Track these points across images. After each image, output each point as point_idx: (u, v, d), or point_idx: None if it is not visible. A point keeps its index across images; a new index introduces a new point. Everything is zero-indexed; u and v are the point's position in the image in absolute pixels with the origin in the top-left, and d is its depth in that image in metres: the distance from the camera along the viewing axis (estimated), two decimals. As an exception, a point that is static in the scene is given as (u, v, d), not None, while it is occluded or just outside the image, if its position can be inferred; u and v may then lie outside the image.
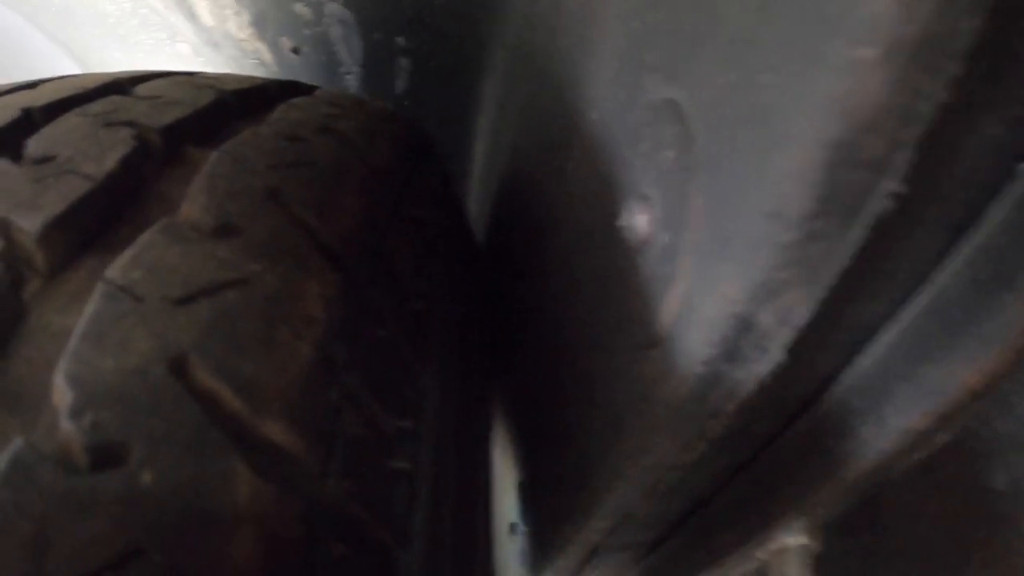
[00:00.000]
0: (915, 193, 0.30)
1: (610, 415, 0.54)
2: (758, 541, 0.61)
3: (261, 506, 0.33)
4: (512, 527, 0.96)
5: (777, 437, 0.53)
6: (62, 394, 0.34)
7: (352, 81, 1.33)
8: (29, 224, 0.42)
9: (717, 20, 0.37)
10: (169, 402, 0.34)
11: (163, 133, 0.55)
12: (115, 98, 0.61)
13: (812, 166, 0.30)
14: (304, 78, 1.37)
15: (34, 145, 0.52)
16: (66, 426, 0.33)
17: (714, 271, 0.38)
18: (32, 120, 0.56)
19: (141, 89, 0.65)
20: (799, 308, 0.36)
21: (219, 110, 0.63)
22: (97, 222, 0.46)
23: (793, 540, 0.60)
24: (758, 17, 0.33)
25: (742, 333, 0.38)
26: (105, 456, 0.32)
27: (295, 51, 1.37)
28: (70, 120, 0.56)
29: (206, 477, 0.33)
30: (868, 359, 0.44)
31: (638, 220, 0.47)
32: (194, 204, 0.47)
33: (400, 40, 1.19)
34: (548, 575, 0.84)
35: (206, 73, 0.76)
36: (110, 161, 0.49)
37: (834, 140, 0.28)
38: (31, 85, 0.66)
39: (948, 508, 0.57)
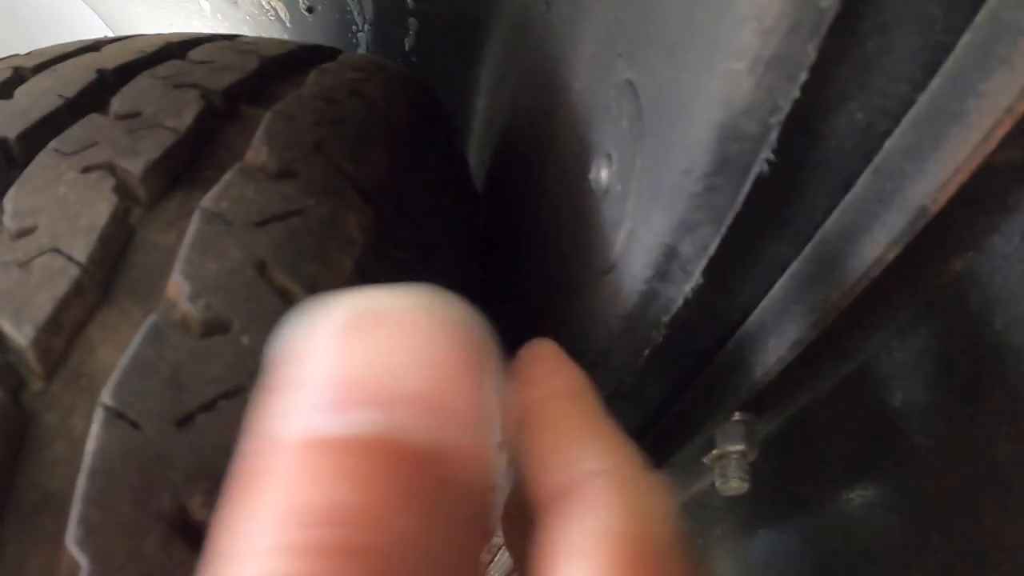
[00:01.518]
0: (785, 161, 0.41)
1: (577, 330, 0.64)
2: (699, 441, 0.72)
3: None
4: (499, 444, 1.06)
5: (713, 355, 0.64)
6: (180, 286, 0.46)
7: (363, 39, 1.38)
8: (132, 166, 0.54)
9: (661, 27, 0.47)
10: (256, 292, 0.47)
11: (223, 94, 0.65)
12: (176, 62, 0.71)
13: (709, 139, 0.40)
14: (317, 35, 1.44)
15: (119, 103, 0.62)
16: (186, 306, 0.45)
17: (650, 212, 0.48)
18: (106, 80, 0.66)
19: (194, 54, 0.74)
20: (710, 240, 0.46)
21: (264, 75, 0.73)
22: (182, 166, 0.57)
23: (732, 447, 0.70)
24: (681, 32, 0.43)
25: (670, 259, 0.48)
26: (215, 326, 0.45)
27: (309, 10, 1.43)
28: (143, 82, 0.66)
29: (284, 342, 0.46)
30: (779, 289, 0.54)
31: (602, 174, 0.57)
32: (259, 153, 0.58)
33: (409, 1, 1.26)
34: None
35: (244, 38, 0.85)
36: (187, 117, 0.60)
37: (721, 122, 0.39)
38: (93, 47, 0.75)
39: (857, 425, 0.67)
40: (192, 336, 0.45)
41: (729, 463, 0.71)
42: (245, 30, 1.62)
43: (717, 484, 0.71)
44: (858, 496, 0.68)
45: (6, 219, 0.52)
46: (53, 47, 0.79)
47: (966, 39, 0.38)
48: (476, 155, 1.37)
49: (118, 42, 0.80)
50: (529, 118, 0.91)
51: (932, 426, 0.58)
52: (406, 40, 1.33)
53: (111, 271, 0.49)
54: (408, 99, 0.84)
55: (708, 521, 1.00)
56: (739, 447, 0.70)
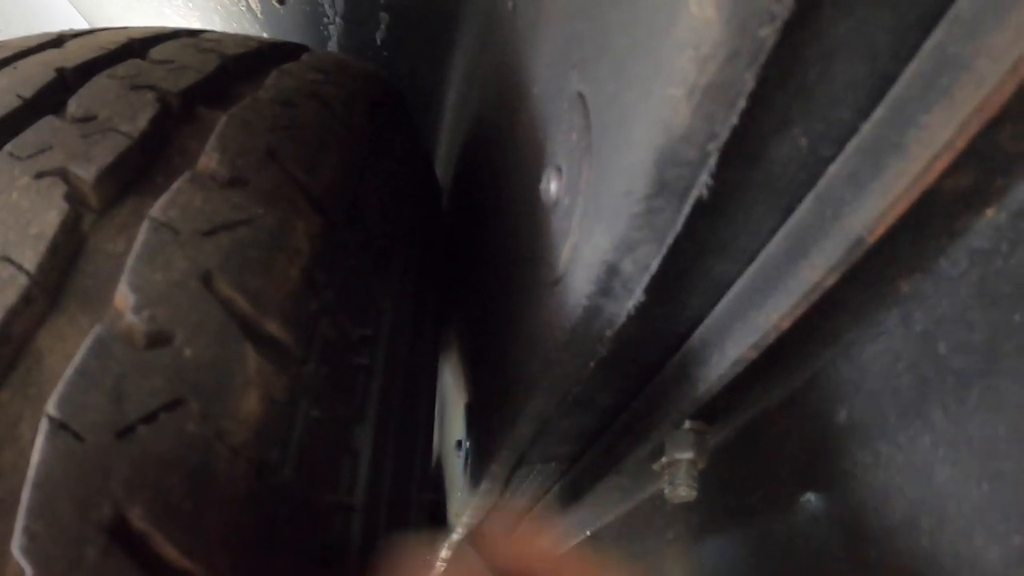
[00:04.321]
0: (726, 184, 0.41)
1: (529, 337, 0.65)
2: (646, 447, 0.73)
3: (262, 376, 0.47)
4: (458, 444, 1.06)
5: (660, 367, 0.65)
6: (126, 298, 0.47)
7: (334, 31, 1.38)
8: (85, 173, 0.54)
9: (610, 42, 0.47)
10: (201, 304, 0.47)
11: (180, 96, 0.65)
12: (136, 62, 0.71)
13: (648, 161, 0.41)
14: (288, 27, 1.43)
15: (75, 105, 0.62)
16: (131, 318, 0.46)
17: (593, 229, 0.49)
18: (66, 80, 0.66)
19: (155, 53, 0.74)
20: (651, 260, 0.46)
21: (223, 74, 0.73)
22: (135, 171, 0.57)
23: (681, 455, 0.71)
24: (627, 50, 0.44)
25: (612, 276, 0.48)
26: (158, 338, 0.46)
27: (281, 2, 1.43)
28: (101, 82, 0.66)
29: (226, 355, 0.46)
30: (723, 307, 0.55)
31: (552, 185, 0.58)
32: (211, 159, 0.58)
33: (381, -5, 1.26)
34: (485, 484, 0.92)
35: (208, 35, 0.85)
36: (142, 121, 0.60)
37: (661, 146, 0.39)
38: (56, 42, 0.76)
39: (804, 439, 0.68)
40: (136, 348, 0.46)
41: (678, 471, 0.72)
42: (216, 20, 1.62)
43: (666, 491, 0.72)
44: (802, 509, 0.69)
45: None
46: (16, 40, 0.79)
47: (910, 69, 0.38)
48: (445, 151, 1.38)
49: (81, 37, 0.80)
50: (493, 119, 0.92)
51: (874, 444, 0.59)
52: (377, 34, 1.33)
53: (61, 279, 0.50)
54: (369, 101, 0.84)
55: (660, 525, 1.01)
56: (688, 455, 0.71)
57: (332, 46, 1.42)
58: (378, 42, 1.34)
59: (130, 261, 0.49)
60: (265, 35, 1.46)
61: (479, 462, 0.94)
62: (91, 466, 0.41)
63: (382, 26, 1.31)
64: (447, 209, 1.21)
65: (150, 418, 0.43)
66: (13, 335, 0.46)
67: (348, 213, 0.66)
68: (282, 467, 0.47)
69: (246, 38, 0.87)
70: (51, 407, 0.43)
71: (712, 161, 0.40)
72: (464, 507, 1.09)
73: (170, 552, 0.40)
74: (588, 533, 1.31)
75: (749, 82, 0.36)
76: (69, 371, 0.44)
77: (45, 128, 0.60)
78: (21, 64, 0.70)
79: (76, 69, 0.69)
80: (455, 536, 1.36)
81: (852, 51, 0.38)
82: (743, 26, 0.34)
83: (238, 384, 0.46)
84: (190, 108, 0.67)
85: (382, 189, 0.78)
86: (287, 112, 0.69)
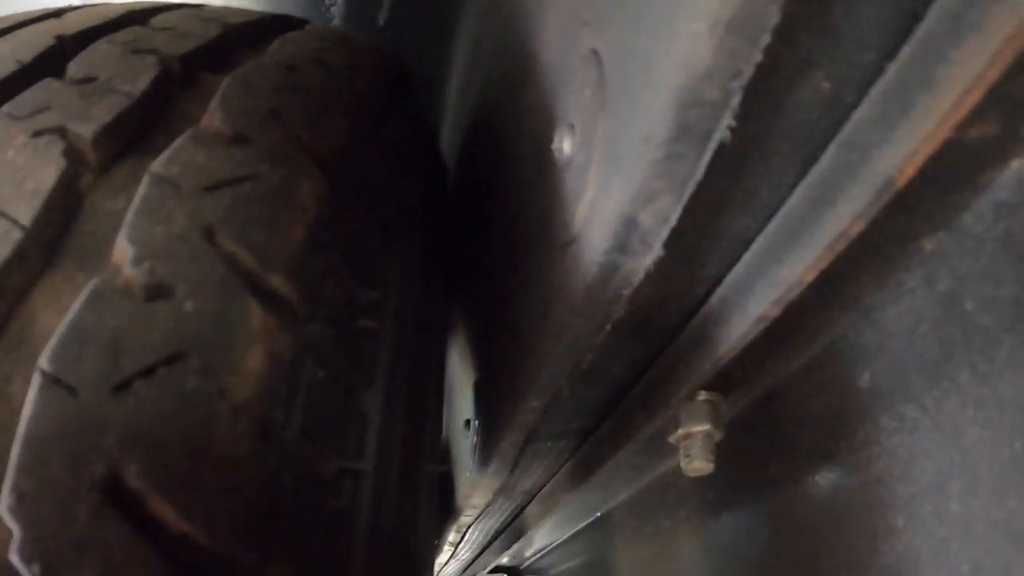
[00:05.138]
0: (749, 128, 0.40)
1: (540, 304, 0.63)
2: (664, 415, 0.71)
3: (267, 332, 0.45)
4: (467, 423, 1.05)
5: (678, 332, 0.63)
6: (124, 251, 0.45)
7: (336, 12, 1.37)
8: (84, 131, 0.53)
9: None
10: (203, 258, 0.46)
11: (182, 60, 0.64)
12: (136, 28, 0.70)
13: (669, 104, 0.39)
14: (291, 7, 1.43)
15: (75, 67, 0.61)
16: (129, 271, 0.44)
17: (610, 182, 0.48)
18: (64, 46, 0.65)
19: (156, 21, 0.73)
20: (671, 211, 0.45)
21: (225, 41, 0.72)
22: (135, 131, 0.56)
23: (698, 428, 0.69)
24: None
25: (630, 230, 0.47)
26: (158, 291, 0.44)
27: None
28: (101, 47, 0.65)
29: (229, 309, 0.44)
30: (743, 265, 0.54)
31: (565, 144, 0.57)
32: (213, 118, 0.57)
33: (383, -26, 1.25)
34: (495, 463, 0.92)
35: (210, 6, 0.84)
36: (143, 82, 0.59)
37: (682, 86, 0.38)
38: (56, 14, 0.74)
39: (825, 407, 0.66)
40: (134, 301, 0.44)
41: (694, 443, 0.70)
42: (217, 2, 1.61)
43: (682, 464, 0.71)
44: (825, 479, 0.68)
45: None
46: (17, 14, 0.78)
47: (938, 5, 0.37)
48: (450, 131, 1.37)
49: (82, 9, 0.79)
50: (500, 91, 0.91)
51: (899, 408, 0.58)
52: (380, 15, 1.32)
53: (57, 236, 0.49)
54: (373, 70, 0.83)
55: (674, 502, 1.00)
56: (704, 427, 0.69)
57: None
58: (380, 23, 1.32)
59: (129, 215, 0.48)
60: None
61: (488, 440, 0.93)
62: (85, 422, 0.40)
63: (384, 6, 1.30)
64: (453, 187, 1.20)
65: (148, 372, 0.41)
66: (5, 291, 0.45)
67: (353, 177, 0.65)
68: (287, 428, 0.45)
69: (248, 11, 0.86)
70: (44, 361, 0.41)
71: (735, 102, 0.39)
72: (473, 488, 1.09)
73: (167, 514, 0.39)
74: (599, 514, 1.31)
75: (774, 16, 0.35)
76: (63, 324, 0.43)
77: (43, 89, 0.59)
78: (21, 32, 0.69)
79: (76, 36, 0.68)
80: (465, 517, 1.36)
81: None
82: None
83: (241, 340, 0.45)
84: (192, 73, 0.66)
85: (387, 157, 0.77)
86: (291, 76, 0.68)
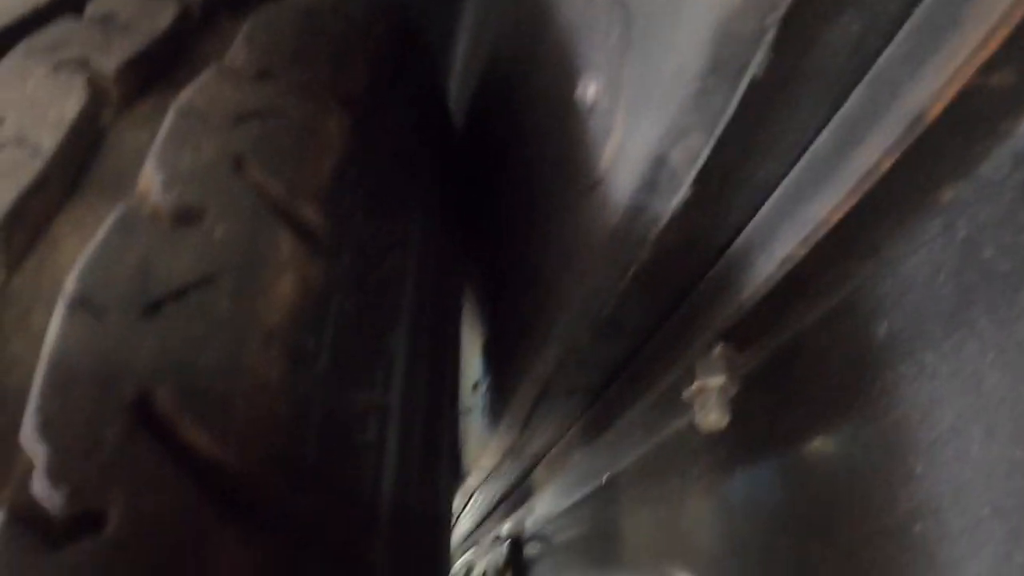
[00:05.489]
0: (781, 65, 0.41)
1: (561, 248, 0.64)
2: (679, 368, 0.72)
3: (297, 260, 0.45)
4: (475, 385, 1.06)
5: (698, 281, 0.64)
6: (152, 178, 0.45)
7: None
8: (106, 63, 0.53)
9: None
10: (232, 185, 0.46)
11: (202, 5, 0.65)
12: None
13: (703, 39, 0.40)
14: None
15: (94, 8, 0.62)
16: (157, 197, 0.45)
17: (638, 121, 0.48)
18: None
19: None
20: (701, 148, 0.46)
21: None
22: (156, 68, 0.56)
23: (713, 381, 0.70)
24: None
25: (659, 168, 0.48)
26: (187, 216, 0.44)
27: None
28: None
29: (260, 235, 0.45)
30: (768, 207, 0.54)
31: (590, 89, 0.57)
32: (238, 55, 0.58)
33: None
34: (505, 422, 0.93)
35: None
36: (162, 22, 0.59)
37: (717, 20, 0.39)
38: None
39: (845, 356, 0.67)
40: (163, 226, 0.44)
41: (709, 397, 0.71)
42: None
43: (697, 418, 0.72)
44: (841, 430, 0.69)
45: None
46: None
47: None
48: (458, 90, 1.38)
49: None
50: (515, 46, 0.92)
51: (918, 356, 0.58)
52: None
53: (80, 166, 0.49)
54: (388, 26, 0.84)
55: (685, 461, 1.01)
56: (720, 380, 0.70)
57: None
58: None
59: (157, 144, 0.48)
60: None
61: (499, 398, 0.95)
62: (113, 344, 0.39)
63: None
64: (463, 142, 1.21)
65: (179, 295, 0.41)
66: (27, 219, 0.45)
67: (375, 119, 0.65)
68: (317, 358, 0.45)
69: None
70: (70, 283, 0.41)
71: (769, 37, 0.39)
72: (482, 450, 1.10)
73: (197, 437, 0.38)
74: (604, 479, 1.32)
75: None
76: (90, 247, 0.43)
77: (64, 26, 0.60)
78: None
79: None
80: (471, 480, 1.37)
81: None
82: None
83: (272, 266, 0.45)
84: (212, 16, 0.66)
85: (404, 105, 0.77)
86: (312, 21, 0.68)
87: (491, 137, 1.01)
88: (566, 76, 0.65)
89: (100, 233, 0.43)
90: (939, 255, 0.55)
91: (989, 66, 0.39)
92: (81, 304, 0.40)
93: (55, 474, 0.36)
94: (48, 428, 0.37)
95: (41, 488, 0.35)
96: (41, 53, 0.55)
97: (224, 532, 0.37)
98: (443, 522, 0.68)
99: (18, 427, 0.37)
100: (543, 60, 0.75)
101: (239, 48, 0.59)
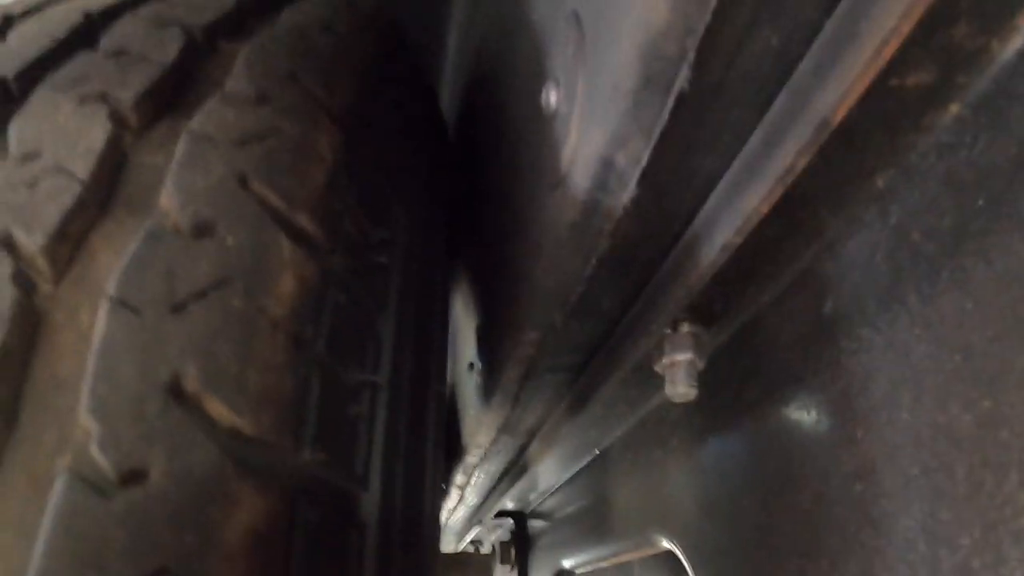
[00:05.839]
0: (704, 79, 0.46)
1: (532, 242, 0.70)
2: (649, 343, 0.77)
3: (296, 262, 0.53)
4: (470, 365, 1.11)
5: (658, 265, 0.69)
6: (171, 197, 0.52)
7: None
8: (124, 96, 0.60)
9: None
10: (239, 201, 0.53)
11: (204, 30, 0.70)
12: (158, 4, 0.76)
13: (634, 58, 0.45)
14: None
15: (107, 41, 0.67)
16: (177, 214, 0.52)
17: (589, 128, 0.53)
18: (93, 22, 0.71)
19: None
20: (642, 152, 0.51)
21: (240, 11, 0.77)
22: (167, 95, 0.62)
23: (681, 356, 0.76)
24: None
25: (607, 170, 0.53)
26: (202, 230, 0.51)
27: None
28: (127, 21, 0.71)
29: (264, 242, 0.52)
30: (711, 201, 0.60)
31: (552, 97, 0.62)
32: (238, 81, 0.64)
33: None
34: (497, 398, 0.98)
35: None
36: (171, 51, 0.65)
37: (644, 43, 0.44)
38: None
39: (796, 332, 0.72)
40: (183, 238, 0.52)
41: (679, 371, 0.77)
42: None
43: (667, 390, 0.77)
44: (796, 399, 0.74)
45: (12, 146, 0.58)
46: None
47: None
48: (449, 87, 1.43)
49: None
50: (495, 49, 0.96)
51: (857, 331, 0.64)
52: None
53: (109, 188, 0.55)
54: (376, 35, 0.89)
55: (665, 433, 1.07)
56: (688, 356, 0.76)
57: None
58: None
59: (173, 167, 0.55)
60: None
61: (491, 378, 0.99)
62: (149, 336, 0.47)
63: None
64: (455, 140, 1.25)
65: (200, 295, 0.49)
66: (70, 234, 0.51)
67: (363, 130, 0.71)
68: (315, 342, 0.52)
69: None
70: (111, 288, 0.48)
71: (691, 56, 0.44)
72: (478, 427, 1.14)
73: (220, 409, 0.46)
74: (597, 452, 1.37)
75: None
76: (125, 258, 0.50)
77: (82, 62, 0.65)
78: (49, 11, 0.74)
79: (102, 12, 0.73)
80: (471, 458, 1.41)
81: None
82: None
83: (275, 267, 0.52)
84: (212, 42, 0.71)
85: (392, 113, 0.83)
86: (302, 41, 0.74)
87: (476, 135, 1.06)
88: (534, 81, 0.70)
89: (132, 246, 0.50)
90: (875, 238, 0.60)
91: (892, 70, 0.45)
92: (121, 305, 0.47)
93: (107, 442, 0.43)
94: (100, 405, 0.44)
95: (96, 452, 0.43)
96: (65, 88, 0.61)
97: (242, 484, 0.44)
98: (429, 483, 0.74)
99: (74, 405, 0.44)
100: (517, 64, 0.80)
101: (239, 74, 0.65)
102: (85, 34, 0.70)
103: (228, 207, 0.54)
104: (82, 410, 0.44)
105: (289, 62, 0.69)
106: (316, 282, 0.55)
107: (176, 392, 0.46)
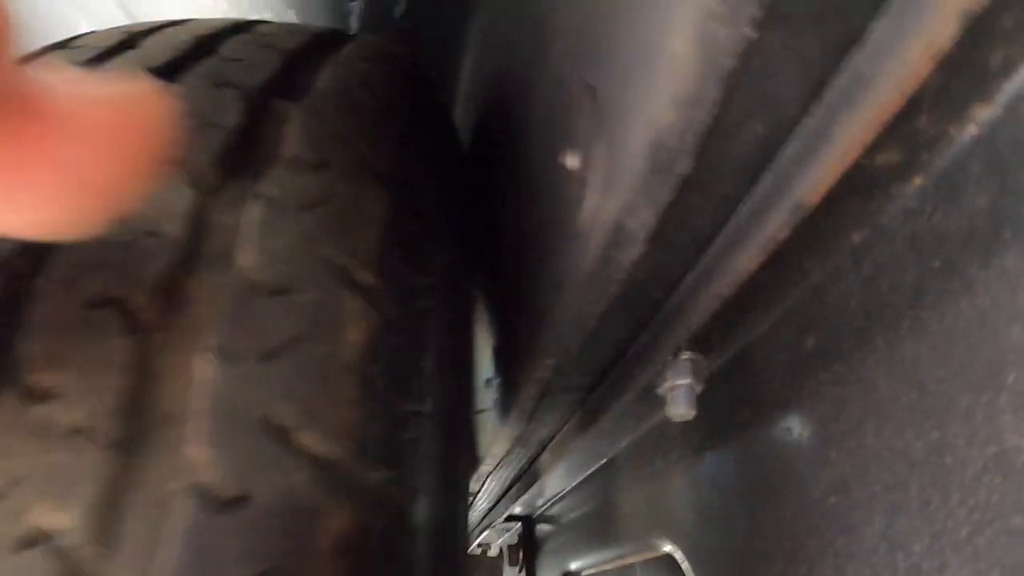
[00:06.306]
0: (703, 164, 0.53)
1: (553, 282, 0.77)
2: (652, 375, 0.86)
3: (360, 313, 0.61)
4: (488, 381, 1.19)
5: (662, 304, 0.78)
6: (249, 259, 0.61)
7: (355, 7, 1.46)
8: (201, 161, 0.67)
9: (618, 57, 0.58)
10: (310, 261, 0.62)
11: (258, 92, 0.78)
12: (211, 62, 0.83)
13: (644, 148, 0.52)
14: (313, 4, 1.53)
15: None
16: (255, 275, 0.60)
17: (604, 196, 0.61)
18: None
19: (224, 51, 0.86)
20: (650, 219, 0.58)
21: (287, 69, 0.85)
22: (235, 157, 0.70)
23: (681, 380, 0.84)
24: (630, 69, 0.55)
25: (619, 232, 0.60)
26: (279, 289, 0.60)
27: None
28: (189, 82, 0.78)
29: (333, 298, 0.61)
30: (708, 255, 0.68)
31: (571, 159, 0.69)
32: (297, 149, 0.72)
33: (400, -31, 1.33)
34: (513, 414, 1.06)
35: (261, 28, 0.97)
36: (234, 116, 0.73)
37: (652, 139, 0.51)
38: (129, 43, 0.87)
39: (782, 363, 0.80)
40: (266, 295, 0.60)
41: (679, 394, 0.85)
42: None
43: (668, 410, 0.85)
44: (781, 421, 0.82)
45: None
46: (90, 39, 0.90)
47: (834, 82, 0.52)
48: (463, 107, 1.46)
49: (150, 36, 0.91)
50: (511, 89, 1.02)
51: (834, 365, 0.72)
52: (396, 9, 1.42)
53: (194, 247, 0.63)
54: (405, 84, 0.97)
55: (667, 446, 1.16)
56: (687, 380, 0.84)
57: (354, 20, 1.51)
58: (396, 16, 1.42)
59: (252, 231, 0.63)
60: (292, 11, 1.57)
61: (508, 395, 1.07)
62: (246, 379, 0.55)
63: (401, 2, 1.40)
64: (468, 161, 1.30)
65: (285, 345, 0.57)
66: (167, 290, 0.59)
67: (402, 185, 0.79)
68: (378, 380, 0.60)
69: (292, 29, 0.98)
70: (212, 340, 0.57)
71: (692, 147, 0.52)
72: (495, 438, 1.22)
73: (309, 440, 0.54)
74: (603, 461, 1.44)
75: (715, 93, 0.48)
76: (219, 317, 0.58)
77: None
78: (108, 65, 0.81)
79: (162, 69, 0.80)
80: (485, 466, 1.49)
81: (790, 67, 0.51)
82: (710, 61, 0.46)
83: (344, 319, 0.61)
84: (266, 101, 0.78)
85: (423, 162, 0.90)
86: (346, 101, 0.81)
87: (493, 168, 1.12)
88: (553, 140, 0.76)
89: (226, 301, 0.59)
90: (850, 286, 0.68)
91: (871, 151, 0.53)
92: (220, 353, 0.56)
93: (216, 469, 0.52)
94: (209, 438, 0.53)
95: (207, 478, 0.51)
96: None
97: (328, 500, 0.53)
98: (463, 492, 0.84)
99: (185, 438, 0.53)
100: (534, 117, 0.86)
101: (298, 141, 0.72)
102: None
103: (301, 267, 0.62)
104: (194, 442, 0.53)
105: (339, 125, 0.76)
106: (376, 329, 0.63)
107: (272, 427, 0.54)
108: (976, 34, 0.45)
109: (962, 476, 0.56)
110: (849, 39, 0.49)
